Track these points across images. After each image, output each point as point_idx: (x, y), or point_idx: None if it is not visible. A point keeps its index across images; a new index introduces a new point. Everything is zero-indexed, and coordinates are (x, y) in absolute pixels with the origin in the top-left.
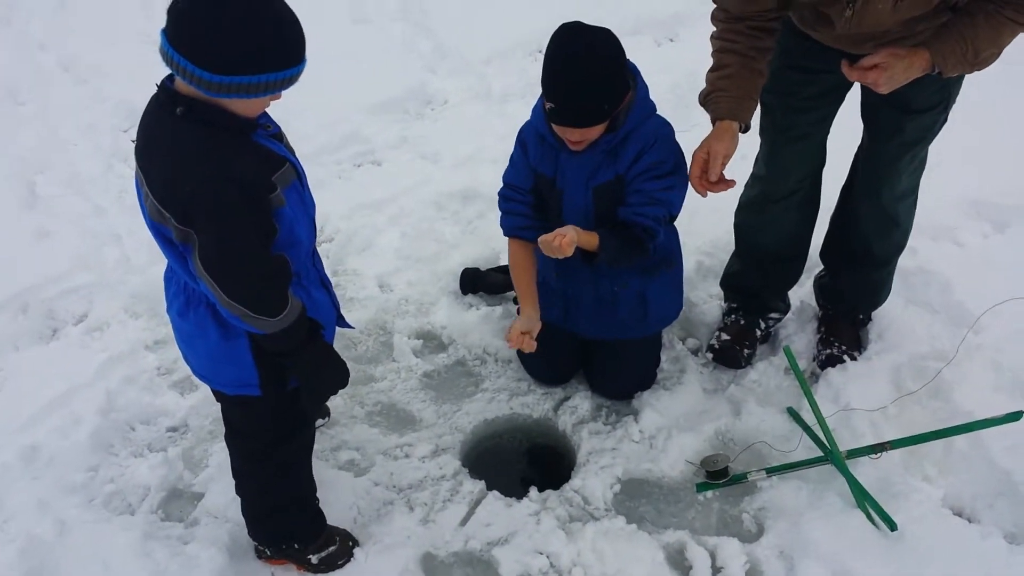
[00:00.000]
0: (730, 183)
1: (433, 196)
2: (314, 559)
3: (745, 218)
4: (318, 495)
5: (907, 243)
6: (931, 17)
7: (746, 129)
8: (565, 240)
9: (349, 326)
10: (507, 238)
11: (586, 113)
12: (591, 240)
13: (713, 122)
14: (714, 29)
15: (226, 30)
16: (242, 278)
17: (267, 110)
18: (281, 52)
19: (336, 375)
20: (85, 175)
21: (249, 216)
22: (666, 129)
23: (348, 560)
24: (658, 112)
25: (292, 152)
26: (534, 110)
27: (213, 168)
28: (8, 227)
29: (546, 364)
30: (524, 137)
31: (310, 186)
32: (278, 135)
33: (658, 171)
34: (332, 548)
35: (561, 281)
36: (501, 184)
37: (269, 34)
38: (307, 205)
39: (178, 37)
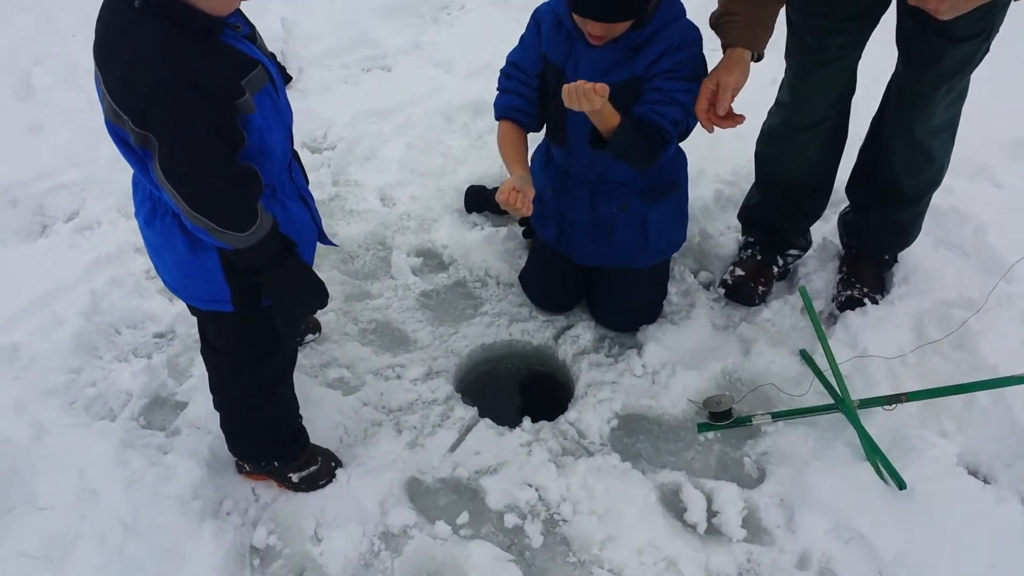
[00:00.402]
0: (739, 118)
1: (443, 107)
2: (295, 478)
3: (767, 147)
4: (303, 412)
5: (942, 181)
6: None
7: (759, 58)
8: (599, 87)
9: (332, 243)
10: (498, 121)
11: (613, 5)
12: (612, 117)
13: (724, 48)
14: None
15: None
16: (205, 189)
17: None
18: None
19: (310, 296)
20: (82, 68)
21: (212, 123)
22: (694, 33)
23: (330, 480)
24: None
25: (267, 54)
26: None
27: (172, 69)
28: (1, 119)
29: (546, 290)
30: (539, 17)
31: (315, 88)
32: (250, 36)
33: (681, 72)
34: (313, 468)
35: (558, 200)
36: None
37: None
38: (282, 112)
39: None
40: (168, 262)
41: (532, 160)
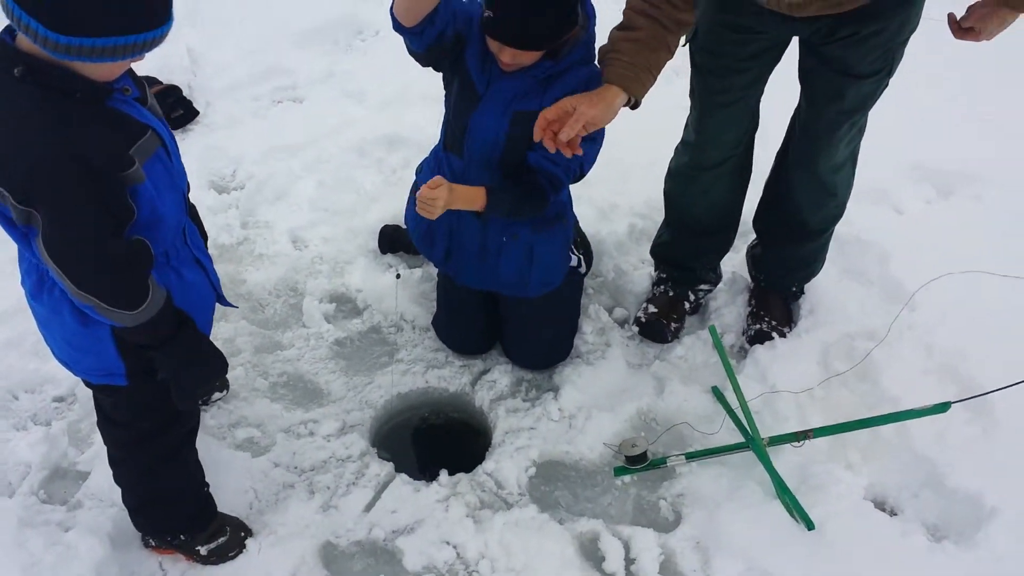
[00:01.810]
0: (577, 150)
1: (356, 141)
2: (203, 550)
3: (675, 187)
4: (210, 477)
5: (843, 214)
6: None
7: (635, 106)
8: (429, 188)
9: (231, 305)
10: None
11: (529, 34)
12: (475, 197)
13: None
14: None
15: None
16: (91, 267)
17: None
18: (144, 7)
19: (208, 370)
20: None
21: (98, 198)
22: (599, 82)
23: (240, 551)
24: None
25: (158, 116)
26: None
27: (54, 142)
28: None
29: (458, 334)
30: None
31: (223, 123)
32: (140, 97)
33: None
34: (222, 539)
35: (449, 213)
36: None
37: None
38: (175, 177)
39: None
40: (56, 335)
41: (418, 171)
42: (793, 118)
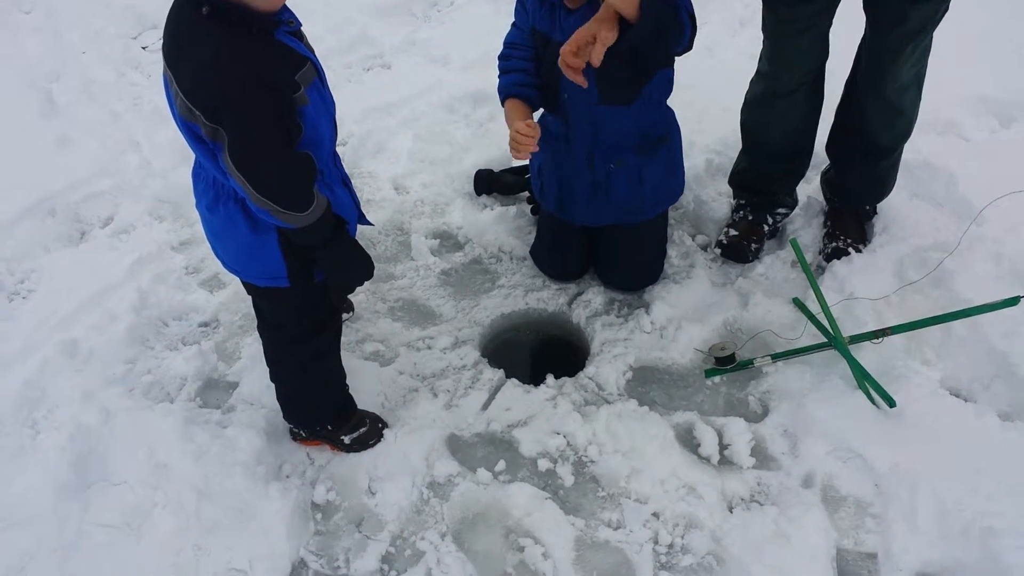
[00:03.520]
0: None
1: (444, 99)
2: (346, 439)
3: (751, 115)
4: (347, 383)
5: (912, 133)
6: None
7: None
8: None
9: (369, 223)
10: (504, 102)
11: None
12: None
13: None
14: None
15: None
16: (270, 175)
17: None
18: None
19: (361, 268)
20: (98, 83)
21: (275, 116)
22: None
23: (379, 440)
24: None
25: (312, 51)
26: None
27: (240, 70)
28: (30, 134)
29: (555, 261)
30: None
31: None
32: (298, 33)
33: None
34: (363, 429)
35: (557, 170)
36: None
37: None
38: (328, 104)
39: None
40: (230, 244)
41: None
42: (860, 46)
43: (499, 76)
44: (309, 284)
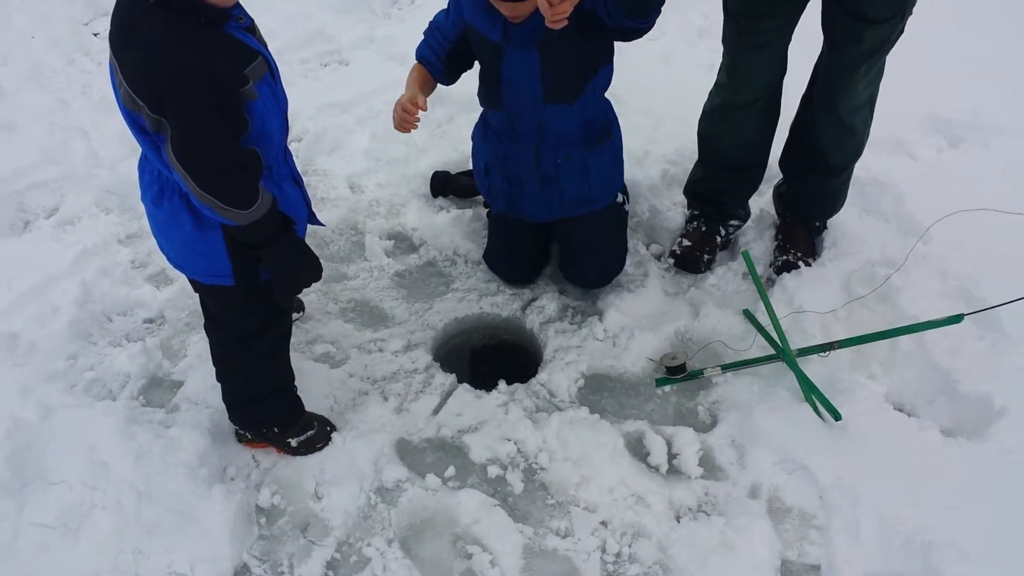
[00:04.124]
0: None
1: None
2: (293, 442)
3: (708, 126)
4: (296, 384)
5: (863, 152)
6: None
7: None
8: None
9: (320, 223)
10: (416, 61)
11: None
12: None
13: None
14: None
15: None
16: (213, 170)
17: (241, 1)
18: None
19: (307, 269)
20: (46, 68)
21: (220, 109)
22: None
23: (326, 444)
24: None
25: (265, 45)
26: None
27: (186, 60)
28: None
29: (509, 264)
30: None
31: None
32: (250, 28)
33: None
34: (311, 432)
35: (503, 166)
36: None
37: None
38: (279, 100)
39: None
40: (174, 239)
41: (472, 137)
42: (817, 64)
43: (421, 41)
44: (255, 283)
